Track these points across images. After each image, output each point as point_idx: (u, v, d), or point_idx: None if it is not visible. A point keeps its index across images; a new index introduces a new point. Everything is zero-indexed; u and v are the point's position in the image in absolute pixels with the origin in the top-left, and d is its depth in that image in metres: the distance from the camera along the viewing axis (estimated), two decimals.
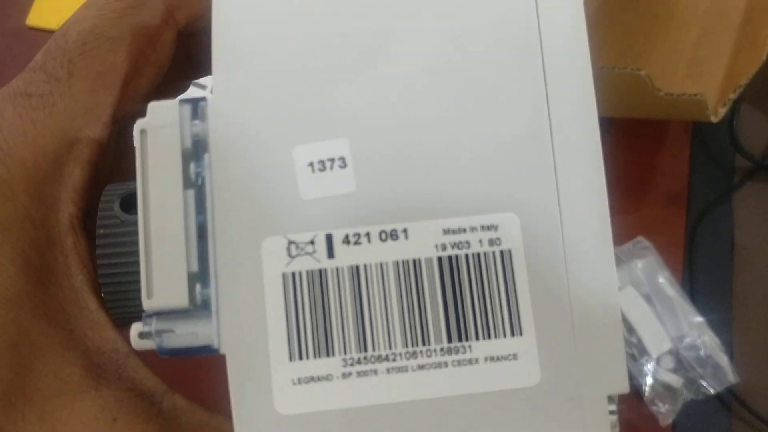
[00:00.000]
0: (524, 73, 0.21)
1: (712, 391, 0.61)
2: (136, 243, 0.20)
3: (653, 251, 0.65)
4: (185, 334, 0.20)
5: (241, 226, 0.20)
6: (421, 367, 0.20)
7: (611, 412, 0.20)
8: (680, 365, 0.62)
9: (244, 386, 0.20)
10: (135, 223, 0.20)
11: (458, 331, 0.20)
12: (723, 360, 0.62)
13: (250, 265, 0.20)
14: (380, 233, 0.20)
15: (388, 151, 0.21)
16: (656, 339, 0.62)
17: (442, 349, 0.20)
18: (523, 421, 0.20)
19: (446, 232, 0.20)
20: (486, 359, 0.20)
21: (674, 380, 0.61)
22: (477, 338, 0.20)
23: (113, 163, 0.25)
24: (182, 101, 0.21)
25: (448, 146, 0.21)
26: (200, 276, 0.20)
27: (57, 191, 0.22)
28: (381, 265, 0.20)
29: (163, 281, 0.20)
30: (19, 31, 0.70)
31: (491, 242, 0.20)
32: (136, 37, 0.23)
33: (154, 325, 0.20)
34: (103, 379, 0.21)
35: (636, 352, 0.61)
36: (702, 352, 0.62)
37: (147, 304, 0.20)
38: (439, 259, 0.20)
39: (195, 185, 0.21)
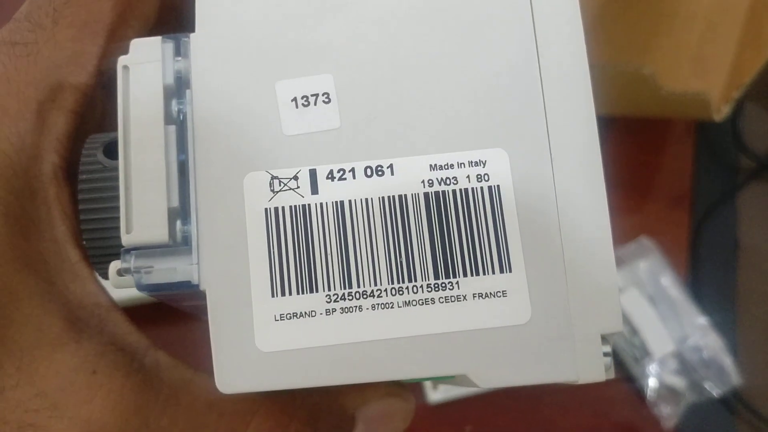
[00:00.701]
0: (512, 7, 0.21)
1: (715, 393, 0.60)
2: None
3: (656, 252, 0.64)
4: (164, 270, 0.19)
5: (223, 162, 0.20)
6: (407, 303, 0.19)
7: (605, 354, 0.19)
8: (684, 367, 0.61)
9: (224, 323, 0.19)
10: (118, 169, 0.20)
11: (445, 267, 0.19)
12: (727, 362, 0.61)
13: (231, 201, 0.20)
14: (365, 169, 0.20)
15: (374, 87, 0.20)
16: (659, 340, 0.61)
17: (428, 286, 0.19)
18: (513, 359, 0.19)
19: (433, 167, 0.20)
20: (474, 296, 0.19)
21: (677, 382, 0.60)
22: (465, 275, 0.19)
23: (100, 117, 0.24)
24: (165, 38, 0.21)
25: (435, 81, 0.20)
26: (181, 212, 0.20)
27: (40, 140, 0.22)
28: (366, 200, 0.20)
29: (142, 216, 0.19)
30: None
31: (479, 178, 0.20)
32: None
33: (132, 261, 0.19)
34: (83, 333, 0.21)
35: (639, 353, 0.61)
36: (705, 354, 0.61)
37: (126, 239, 0.19)
38: (426, 194, 0.20)
39: (177, 121, 0.20)
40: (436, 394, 0.58)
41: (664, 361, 0.61)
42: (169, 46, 0.21)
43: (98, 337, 0.21)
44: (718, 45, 0.66)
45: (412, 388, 0.58)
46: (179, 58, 0.21)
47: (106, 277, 0.21)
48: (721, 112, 0.59)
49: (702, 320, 0.62)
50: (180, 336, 0.26)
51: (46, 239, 0.21)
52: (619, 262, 0.64)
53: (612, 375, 0.20)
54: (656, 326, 0.61)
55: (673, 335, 0.61)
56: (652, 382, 0.60)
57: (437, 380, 0.21)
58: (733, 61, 0.65)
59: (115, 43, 0.23)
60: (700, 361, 0.61)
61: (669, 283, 0.63)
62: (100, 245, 0.21)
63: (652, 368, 0.60)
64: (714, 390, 0.60)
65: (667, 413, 0.59)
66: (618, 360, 0.61)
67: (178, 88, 0.20)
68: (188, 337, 0.23)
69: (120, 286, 0.20)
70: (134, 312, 0.23)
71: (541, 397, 0.58)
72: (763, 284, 0.64)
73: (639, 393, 0.60)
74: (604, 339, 0.19)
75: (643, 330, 0.61)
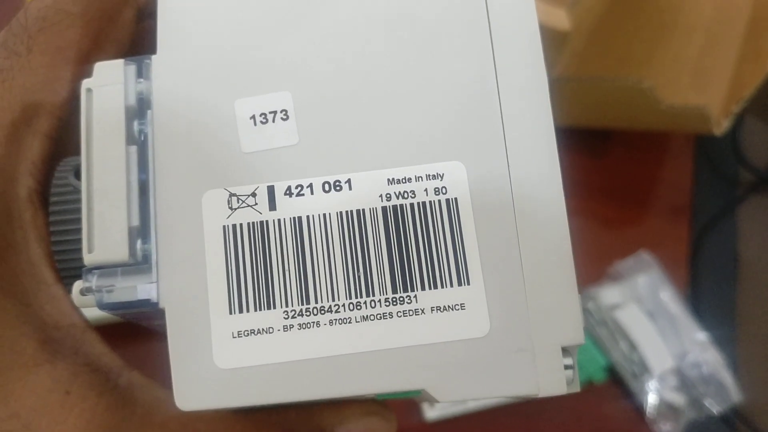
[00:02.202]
0: (469, 20, 0.21)
1: (715, 410, 0.59)
2: None
3: (655, 266, 0.64)
4: (125, 288, 0.19)
5: (182, 180, 0.20)
6: (365, 318, 0.19)
7: (567, 366, 0.19)
8: (683, 383, 0.60)
9: (182, 340, 0.19)
10: None
11: (403, 281, 0.19)
12: (726, 378, 0.60)
13: (190, 219, 0.20)
14: (323, 184, 0.20)
15: (332, 103, 0.20)
16: (659, 356, 0.61)
17: (386, 300, 0.19)
18: (472, 372, 0.19)
19: (391, 182, 0.20)
20: (432, 309, 0.19)
21: (677, 399, 0.60)
22: (423, 288, 0.19)
23: (74, 140, 0.25)
24: (127, 60, 0.21)
25: (392, 96, 0.20)
26: (141, 230, 0.20)
27: (16, 164, 0.22)
28: (324, 216, 0.20)
29: (103, 236, 0.19)
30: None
31: (437, 191, 0.20)
32: (96, 14, 0.24)
33: (94, 280, 0.19)
34: (58, 353, 0.21)
35: (638, 369, 0.60)
36: (705, 370, 0.60)
37: (88, 258, 0.19)
38: (384, 208, 0.20)
39: (138, 142, 0.20)
40: (432, 412, 0.57)
41: (664, 378, 0.60)
42: (132, 68, 0.21)
43: (73, 358, 0.21)
44: (717, 59, 0.66)
45: (409, 406, 0.58)
46: (141, 80, 0.21)
47: None
48: (720, 126, 0.58)
49: (702, 336, 0.61)
50: (157, 354, 0.26)
51: (22, 261, 0.22)
52: (618, 276, 0.64)
53: (576, 389, 0.20)
54: (655, 342, 0.61)
55: (672, 351, 0.61)
56: (651, 399, 0.59)
57: (404, 395, 0.21)
58: (733, 75, 0.65)
59: (89, 67, 0.24)
60: (700, 377, 0.60)
61: (668, 298, 0.63)
62: (71, 266, 0.22)
63: (652, 384, 0.60)
64: (714, 407, 0.59)
65: (667, 430, 0.59)
66: (617, 376, 0.61)
67: (140, 109, 0.21)
68: (165, 356, 0.23)
69: (83, 306, 0.20)
70: (113, 330, 0.23)
71: (540, 414, 0.58)
72: (763, 299, 0.63)
73: (638, 409, 0.60)
74: (565, 351, 0.19)
75: (642, 346, 0.61)
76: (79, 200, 0.21)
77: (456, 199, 0.20)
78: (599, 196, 0.66)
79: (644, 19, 0.69)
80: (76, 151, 0.24)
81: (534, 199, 0.20)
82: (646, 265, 0.64)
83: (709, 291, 0.64)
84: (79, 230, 0.21)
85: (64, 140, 0.23)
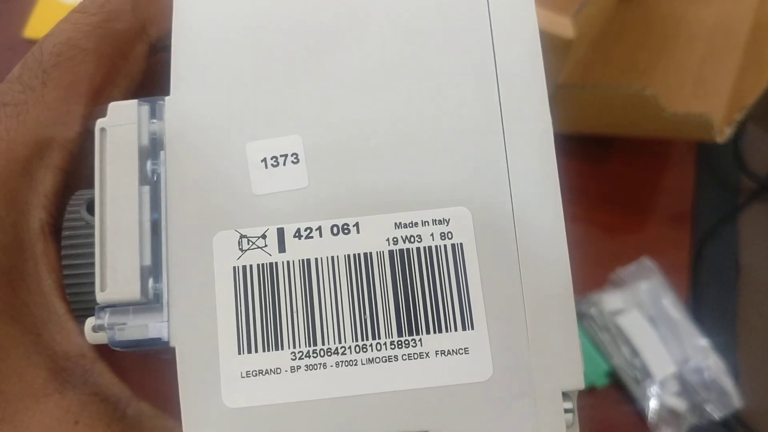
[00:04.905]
0: (475, 67, 0.21)
1: (717, 416, 0.60)
2: None
3: (657, 272, 0.64)
4: (136, 327, 0.20)
5: (194, 221, 0.20)
6: (370, 360, 0.20)
7: (567, 410, 0.20)
8: (685, 389, 0.61)
9: (192, 379, 0.20)
10: None
11: (409, 324, 0.20)
12: (728, 384, 0.61)
13: (201, 259, 0.20)
14: (332, 227, 0.20)
15: (341, 147, 0.21)
16: (660, 362, 0.61)
17: (392, 343, 0.20)
18: (475, 416, 0.19)
19: (398, 226, 0.20)
20: (437, 353, 0.20)
21: (679, 404, 0.60)
22: (428, 332, 0.20)
23: (88, 174, 0.25)
24: (141, 101, 0.21)
25: (400, 141, 0.21)
26: (153, 270, 0.20)
27: (28, 197, 0.23)
28: (332, 258, 0.20)
29: (116, 275, 0.20)
30: (16, 44, 0.71)
31: (443, 236, 0.20)
32: (109, 49, 0.24)
33: (107, 318, 0.20)
34: (68, 384, 0.21)
35: (640, 375, 0.61)
36: (707, 376, 0.61)
37: (100, 297, 0.20)
38: (391, 252, 0.20)
39: (151, 182, 0.21)
40: None
41: (665, 383, 0.61)
42: (145, 108, 0.21)
43: (82, 388, 0.22)
44: (719, 68, 0.66)
45: None
46: (155, 121, 0.21)
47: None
48: (723, 134, 0.59)
49: (703, 342, 0.62)
50: (161, 384, 0.26)
51: (33, 292, 0.22)
52: (621, 283, 0.64)
53: (576, 431, 0.20)
54: (657, 348, 0.61)
55: (674, 357, 0.61)
56: (653, 404, 0.60)
57: None
58: (735, 83, 0.65)
59: (102, 102, 0.24)
60: (702, 383, 0.61)
61: (670, 304, 0.63)
62: (81, 299, 0.22)
63: (653, 390, 0.60)
64: (715, 412, 0.60)
65: None
66: (619, 381, 0.61)
67: (153, 149, 0.21)
68: (172, 387, 0.23)
69: (95, 342, 0.20)
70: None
71: None
72: (764, 306, 0.64)
73: (640, 415, 0.60)
74: (566, 395, 0.20)
75: (644, 351, 0.61)
76: (90, 234, 0.22)
77: (461, 244, 0.20)
78: (601, 202, 0.66)
79: (647, 29, 0.69)
80: (88, 184, 0.24)
81: (538, 244, 0.20)
82: (647, 272, 0.64)
83: (711, 297, 0.64)
84: (90, 264, 0.21)
85: (75, 173, 0.24)
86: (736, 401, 0.60)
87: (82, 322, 0.22)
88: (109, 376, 0.22)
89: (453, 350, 0.20)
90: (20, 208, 0.22)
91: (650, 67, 0.68)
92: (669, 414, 0.60)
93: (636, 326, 0.62)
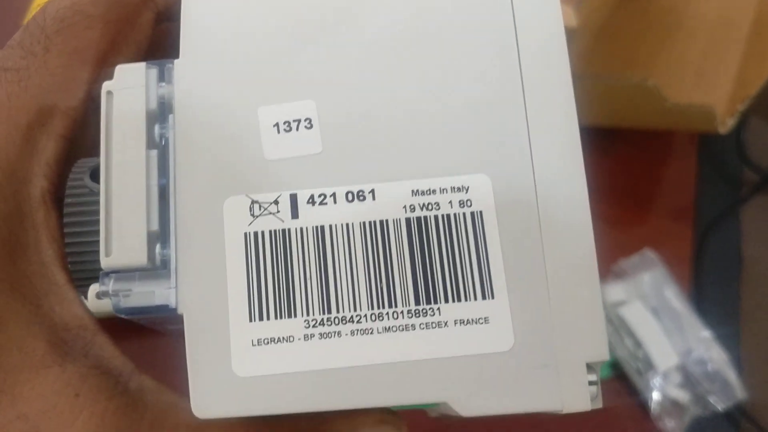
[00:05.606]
0: (495, 31, 0.21)
1: (720, 407, 0.59)
2: None
3: (660, 264, 0.63)
4: (142, 293, 0.19)
5: (203, 186, 0.20)
6: (387, 329, 0.19)
7: (591, 382, 0.19)
8: (688, 380, 0.60)
9: (201, 347, 0.19)
10: None
11: (426, 293, 0.19)
12: (731, 376, 0.60)
13: (211, 225, 0.20)
14: (347, 194, 0.20)
15: (356, 112, 0.20)
16: (663, 353, 0.60)
17: (409, 312, 0.19)
18: (495, 387, 0.19)
19: (415, 193, 0.20)
20: (455, 322, 0.19)
21: (681, 396, 0.60)
22: (446, 301, 0.19)
23: (91, 142, 0.24)
24: (149, 64, 0.21)
25: (417, 106, 0.20)
26: (160, 235, 0.20)
27: (29, 165, 0.22)
28: (347, 225, 0.19)
29: (121, 239, 0.19)
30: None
31: (461, 204, 0.20)
32: (114, 15, 0.23)
33: (111, 284, 0.19)
34: (68, 356, 0.21)
35: (642, 366, 0.60)
36: (709, 367, 0.60)
37: (105, 262, 0.19)
38: (408, 220, 0.19)
39: (159, 146, 0.20)
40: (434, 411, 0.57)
41: (668, 375, 0.60)
42: (153, 71, 0.21)
43: (83, 360, 0.21)
44: (721, 59, 0.66)
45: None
46: (163, 84, 0.21)
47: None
48: (726, 125, 0.58)
49: (706, 333, 0.61)
50: (166, 356, 0.26)
51: (34, 262, 0.22)
52: (623, 274, 0.64)
53: (599, 404, 0.20)
54: (660, 339, 0.61)
55: (677, 348, 0.61)
56: (655, 396, 0.59)
57: (422, 408, 0.21)
58: (738, 74, 0.64)
59: (107, 69, 0.23)
60: (705, 374, 0.60)
61: (672, 296, 0.63)
62: (84, 268, 0.21)
63: (656, 381, 0.60)
64: (718, 404, 0.59)
65: (671, 427, 0.59)
66: (621, 373, 0.61)
67: (161, 113, 0.20)
68: (176, 357, 0.23)
69: (99, 310, 0.20)
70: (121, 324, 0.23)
71: None
72: (767, 298, 0.63)
73: (643, 406, 0.59)
74: (590, 367, 0.19)
75: (646, 343, 0.61)
76: (94, 202, 0.21)
77: (481, 212, 0.19)
78: (603, 194, 0.65)
79: (649, 20, 0.68)
80: (91, 153, 0.23)
81: (560, 213, 0.19)
82: (650, 263, 0.64)
83: (713, 289, 0.64)
84: (93, 232, 0.21)
85: (78, 142, 0.23)
86: (739, 393, 0.60)
87: (84, 294, 0.21)
88: (111, 348, 0.22)
89: (472, 319, 0.19)
90: (21, 176, 0.22)
91: (652, 58, 0.68)
92: (672, 405, 0.59)
93: (638, 318, 0.62)
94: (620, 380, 0.60)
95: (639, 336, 0.61)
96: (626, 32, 0.66)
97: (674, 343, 0.61)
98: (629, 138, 0.66)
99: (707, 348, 0.61)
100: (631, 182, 0.67)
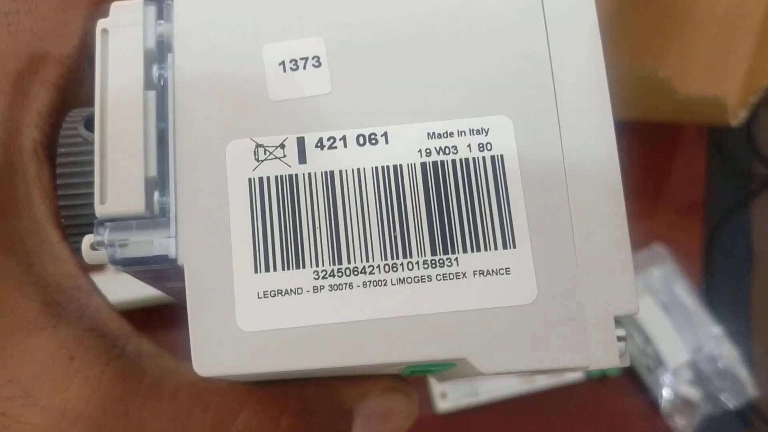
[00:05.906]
0: None
1: (731, 405, 0.58)
2: None
3: (669, 259, 0.62)
4: (140, 243, 0.18)
5: (204, 129, 0.18)
6: (401, 281, 0.18)
7: (620, 338, 0.18)
8: (698, 377, 0.59)
9: (203, 300, 0.18)
10: None
11: (443, 242, 0.18)
12: (742, 373, 0.59)
13: (213, 170, 0.18)
14: (358, 137, 0.18)
15: (368, 50, 0.19)
16: (673, 350, 0.59)
17: (425, 262, 0.18)
18: (517, 342, 0.17)
19: (431, 136, 0.18)
20: (475, 273, 0.18)
21: (692, 393, 0.58)
22: (464, 251, 0.18)
23: (85, 92, 0.23)
24: (147, 0, 0.19)
25: (434, 44, 0.19)
26: (159, 182, 0.18)
27: (20, 115, 0.21)
28: (358, 170, 0.18)
29: (117, 185, 0.18)
30: None
31: (481, 147, 0.18)
32: None
33: (107, 234, 0.18)
34: (62, 317, 0.20)
35: (652, 363, 0.59)
36: (720, 364, 0.59)
37: (100, 210, 0.18)
38: (423, 165, 0.18)
39: (157, 87, 0.19)
40: (444, 404, 0.56)
41: (679, 371, 0.59)
42: (152, 9, 0.19)
43: (77, 322, 0.20)
44: (732, 51, 0.65)
45: (420, 397, 0.57)
46: (161, 22, 0.19)
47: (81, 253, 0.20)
48: (737, 117, 0.57)
49: (716, 329, 0.60)
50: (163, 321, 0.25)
51: (25, 218, 0.20)
52: None
53: (627, 363, 0.18)
54: (670, 335, 0.60)
55: (687, 345, 0.60)
56: (666, 393, 0.58)
57: (437, 369, 0.19)
58: (750, 65, 0.63)
59: (101, 14, 0.22)
60: (715, 371, 0.59)
61: (683, 291, 0.61)
62: (78, 222, 0.20)
63: (666, 378, 0.59)
64: (729, 401, 0.58)
65: (682, 425, 0.58)
66: (631, 370, 0.59)
67: (160, 53, 0.19)
68: (174, 325, 0.21)
69: (93, 261, 0.18)
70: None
71: (553, 407, 0.57)
72: None
73: (653, 403, 0.58)
74: (618, 322, 0.18)
75: (656, 339, 0.59)
76: (88, 152, 0.20)
77: (502, 156, 0.18)
78: None
79: (660, 11, 0.67)
80: (85, 103, 0.22)
81: (587, 160, 0.18)
82: (660, 258, 0.63)
83: (724, 284, 0.63)
84: (88, 184, 0.19)
85: (72, 91, 0.22)
86: (751, 390, 0.58)
87: (79, 251, 0.20)
88: (107, 310, 0.21)
89: (493, 270, 0.18)
90: (11, 127, 0.21)
91: (662, 49, 0.67)
92: (682, 403, 0.58)
93: (649, 313, 0.60)
94: (630, 377, 0.59)
95: (649, 332, 0.60)
96: (636, 22, 0.65)
97: (684, 340, 0.60)
98: (638, 131, 0.65)
99: (718, 344, 0.60)
100: (640, 176, 0.65)
